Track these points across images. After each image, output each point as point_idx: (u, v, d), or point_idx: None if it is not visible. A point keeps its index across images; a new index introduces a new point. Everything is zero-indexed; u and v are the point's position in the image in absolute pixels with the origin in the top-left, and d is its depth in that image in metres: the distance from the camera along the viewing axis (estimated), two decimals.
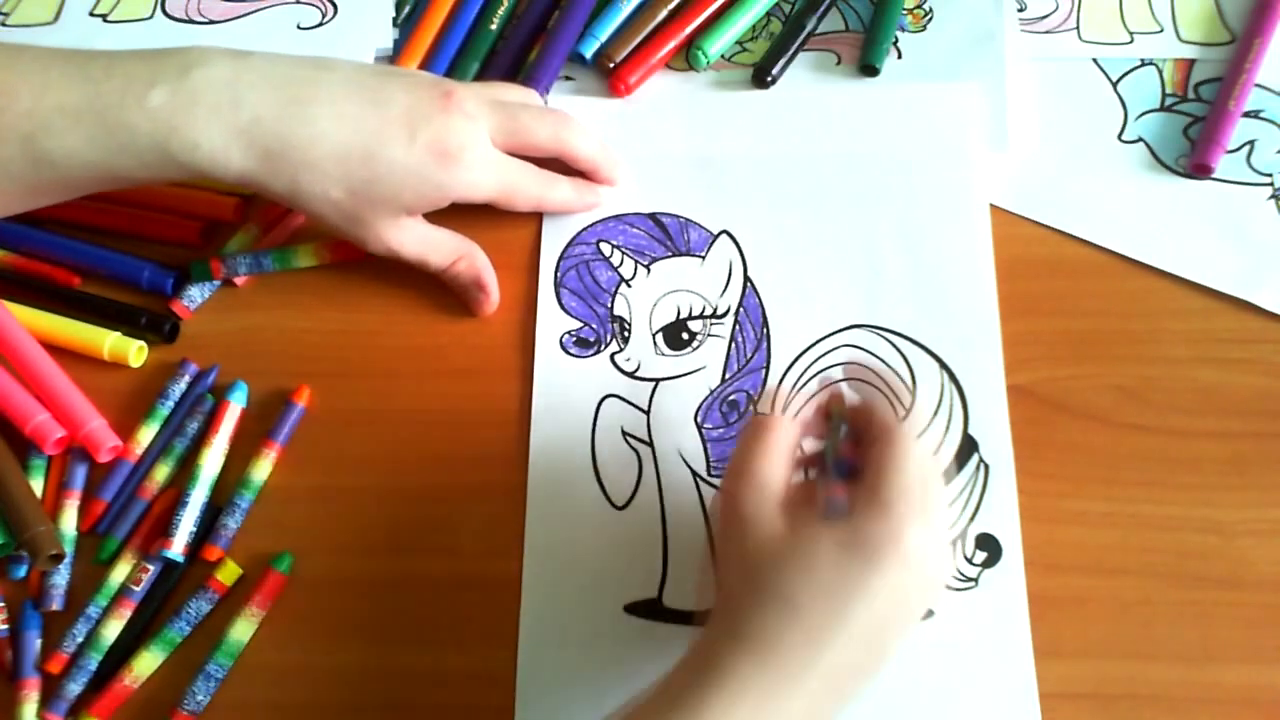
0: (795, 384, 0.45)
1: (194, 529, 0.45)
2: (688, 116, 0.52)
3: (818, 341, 0.46)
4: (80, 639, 0.44)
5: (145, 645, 0.43)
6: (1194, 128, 0.49)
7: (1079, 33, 0.52)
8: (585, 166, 0.48)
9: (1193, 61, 0.51)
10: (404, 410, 0.47)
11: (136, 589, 0.44)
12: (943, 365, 0.45)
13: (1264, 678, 0.39)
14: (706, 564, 0.42)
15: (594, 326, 0.47)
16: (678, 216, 0.49)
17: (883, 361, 0.45)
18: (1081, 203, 0.48)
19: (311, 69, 0.43)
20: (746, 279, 0.48)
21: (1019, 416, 0.44)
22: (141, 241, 0.51)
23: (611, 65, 0.53)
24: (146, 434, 0.47)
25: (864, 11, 0.54)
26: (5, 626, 0.44)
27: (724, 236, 0.49)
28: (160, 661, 0.43)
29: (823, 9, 0.53)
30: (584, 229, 0.50)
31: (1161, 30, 0.52)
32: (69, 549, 0.45)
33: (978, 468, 0.43)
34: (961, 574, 0.41)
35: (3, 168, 0.41)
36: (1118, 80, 0.51)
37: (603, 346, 0.47)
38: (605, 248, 0.49)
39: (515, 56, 0.54)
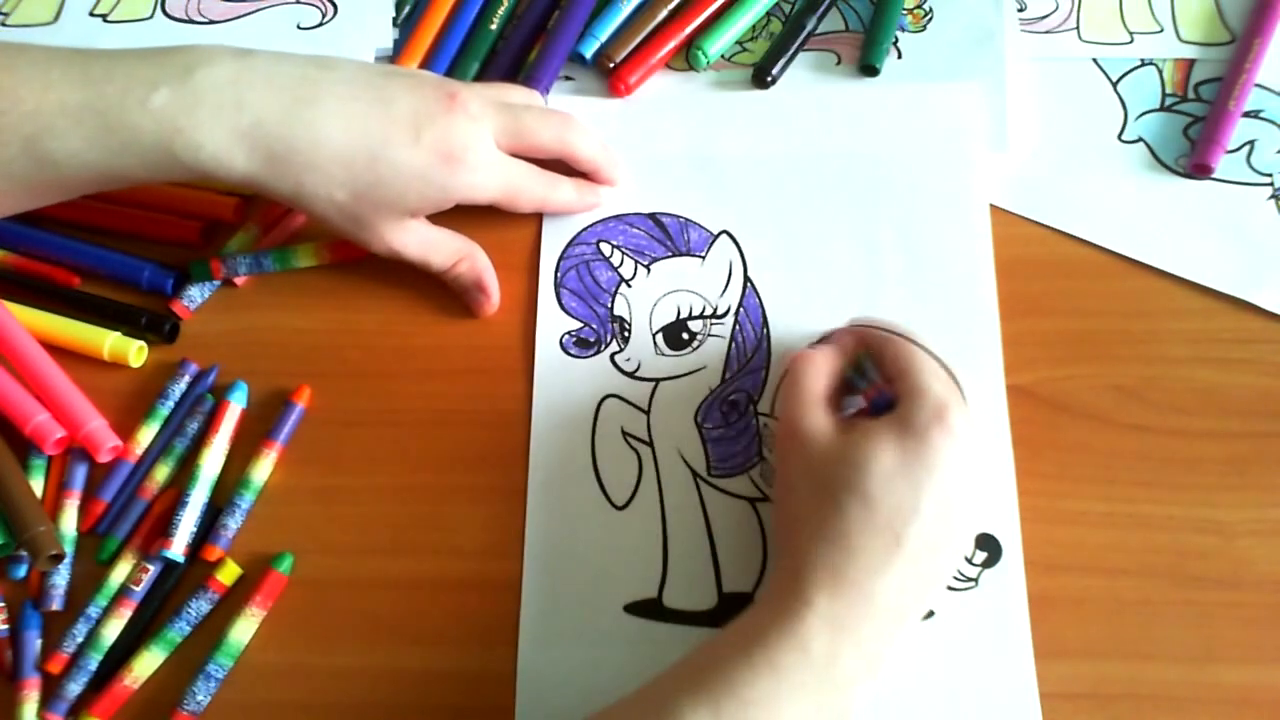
0: None
1: (194, 529, 0.45)
2: (688, 116, 0.52)
3: (818, 341, 0.46)
4: (80, 639, 0.44)
5: (145, 645, 0.43)
6: (1194, 128, 0.49)
7: (1079, 33, 0.53)
8: (587, 167, 0.48)
9: (1193, 61, 0.51)
10: (404, 410, 0.47)
11: (136, 589, 0.44)
12: (943, 365, 0.45)
13: (1264, 678, 0.39)
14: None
15: (594, 326, 0.47)
16: (678, 216, 0.49)
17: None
18: (1081, 203, 0.48)
19: (315, 69, 0.43)
20: (746, 279, 0.48)
21: (1019, 416, 0.44)
22: (141, 241, 0.51)
23: (611, 65, 0.53)
24: (146, 434, 0.47)
25: (864, 11, 0.54)
26: (5, 626, 0.44)
27: (724, 236, 0.49)
28: (160, 661, 0.43)
29: (823, 9, 0.53)
30: (584, 229, 0.50)
31: (1161, 30, 0.52)
32: (69, 549, 0.45)
33: None
34: (961, 574, 0.41)
35: (5, 168, 0.41)
36: (1118, 80, 0.51)
37: (603, 346, 0.47)
38: (605, 248, 0.49)
39: (515, 56, 0.54)
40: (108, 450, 0.46)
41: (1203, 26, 0.52)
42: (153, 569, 0.44)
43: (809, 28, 0.53)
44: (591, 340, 0.47)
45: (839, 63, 0.53)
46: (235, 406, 0.47)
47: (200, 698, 0.42)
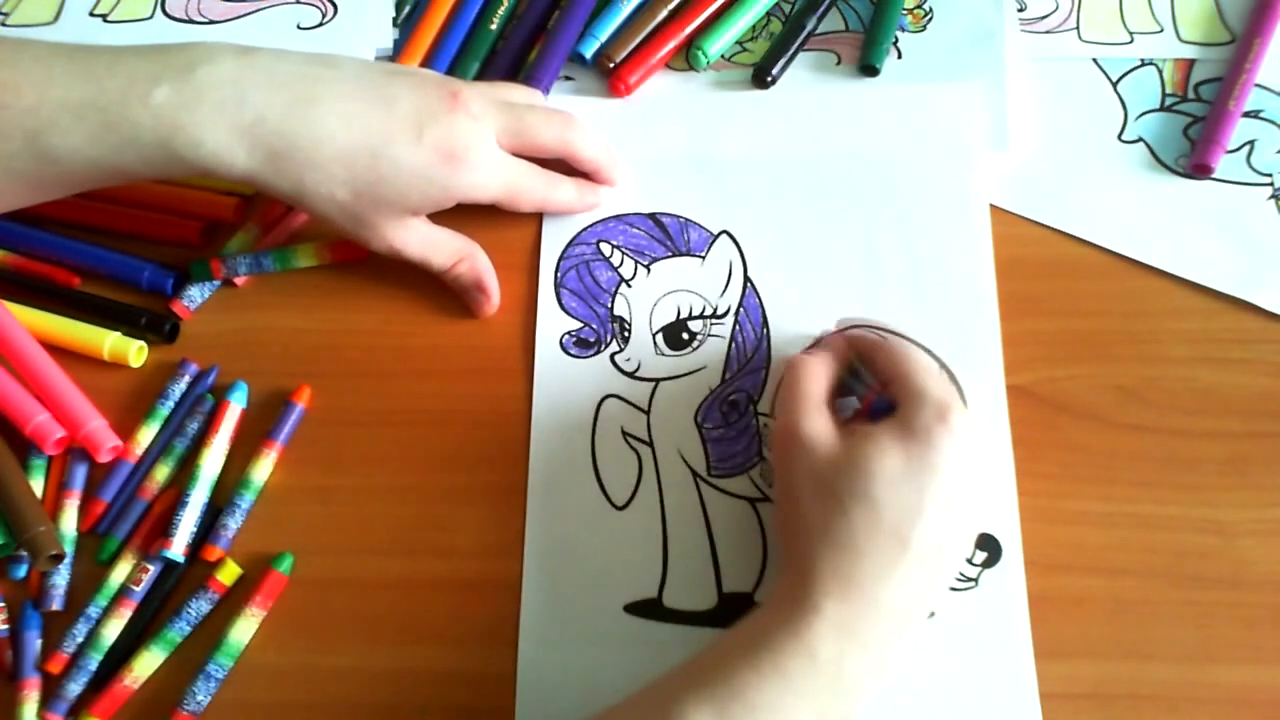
0: None
1: (194, 529, 0.45)
2: (688, 116, 0.52)
3: (818, 341, 0.46)
4: (80, 639, 0.44)
5: (145, 645, 0.43)
6: (1194, 128, 0.49)
7: (1079, 33, 0.52)
8: (588, 167, 0.48)
9: (1193, 61, 0.51)
10: (404, 410, 0.47)
11: (136, 589, 0.44)
12: (943, 365, 0.45)
13: (1264, 678, 0.39)
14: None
15: (594, 326, 0.47)
16: (678, 216, 0.49)
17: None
18: (1081, 203, 0.48)
19: (317, 67, 0.43)
20: (746, 279, 0.48)
21: (1019, 416, 0.44)
22: (141, 241, 0.51)
23: (611, 65, 0.53)
24: (146, 434, 0.47)
25: (864, 11, 0.54)
26: (5, 627, 0.44)
27: (724, 236, 0.49)
28: (160, 662, 0.43)
29: (823, 9, 0.53)
30: (584, 229, 0.50)
31: (1161, 30, 0.52)
32: (69, 549, 0.45)
33: None
34: (961, 574, 0.41)
35: (6, 164, 0.41)
36: (1118, 80, 0.51)
37: (603, 347, 0.47)
38: (605, 248, 0.49)
39: (515, 56, 0.54)
40: (108, 450, 0.46)
41: (1203, 26, 0.52)
42: (153, 569, 0.44)
43: (809, 28, 0.53)
44: (591, 340, 0.47)
45: (839, 63, 0.53)
46: (235, 406, 0.47)
47: (200, 698, 0.42)
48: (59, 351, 0.48)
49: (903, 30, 0.53)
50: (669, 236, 0.49)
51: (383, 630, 0.43)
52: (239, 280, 0.50)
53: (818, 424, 0.38)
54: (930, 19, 0.53)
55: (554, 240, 0.49)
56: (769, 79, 0.52)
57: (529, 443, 0.45)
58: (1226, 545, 0.41)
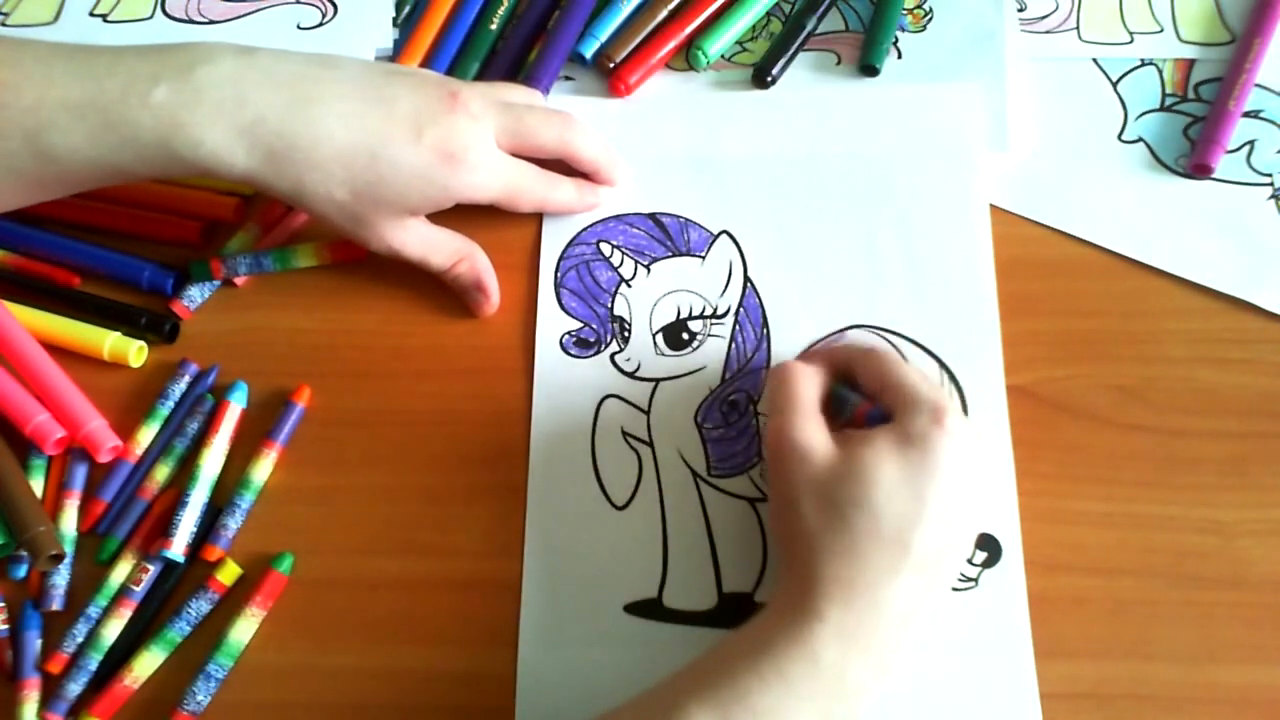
0: None
1: (194, 529, 0.45)
2: (688, 116, 0.52)
3: (818, 341, 0.46)
4: (80, 639, 0.44)
5: (145, 645, 0.43)
6: (1194, 128, 0.49)
7: (1079, 33, 0.52)
8: (588, 167, 0.48)
9: (1193, 61, 0.51)
10: (404, 410, 0.47)
11: (136, 589, 0.44)
12: (943, 365, 0.45)
13: (1264, 678, 0.39)
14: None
15: (594, 326, 0.47)
16: (678, 216, 0.49)
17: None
18: (1081, 203, 0.48)
19: (317, 67, 0.43)
20: (746, 279, 0.48)
21: (1019, 417, 0.44)
22: (141, 241, 0.51)
23: (611, 65, 0.53)
24: (146, 434, 0.47)
25: (864, 11, 0.54)
26: (5, 627, 0.44)
27: (724, 236, 0.49)
28: (160, 662, 0.43)
29: (823, 9, 0.53)
30: (584, 229, 0.50)
31: (1161, 30, 0.52)
32: (69, 549, 0.45)
33: None
34: (962, 574, 0.41)
35: (6, 163, 0.41)
36: (1118, 80, 0.51)
37: (603, 347, 0.47)
38: (605, 248, 0.49)
39: (515, 56, 0.54)
40: (108, 450, 0.46)
41: (1203, 26, 0.52)
42: (153, 569, 0.44)
43: (809, 28, 0.53)
44: (591, 340, 0.47)
45: (839, 63, 0.53)
46: (235, 406, 0.47)
47: (200, 698, 0.42)
48: (59, 351, 0.48)
49: (903, 30, 0.53)
50: (669, 236, 0.49)
51: (383, 630, 0.43)
52: (239, 280, 0.50)
53: (812, 431, 0.38)
54: (930, 19, 0.53)
55: (554, 240, 0.49)
56: (769, 79, 0.52)
57: (529, 443, 0.45)
58: (1226, 545, 0.41)
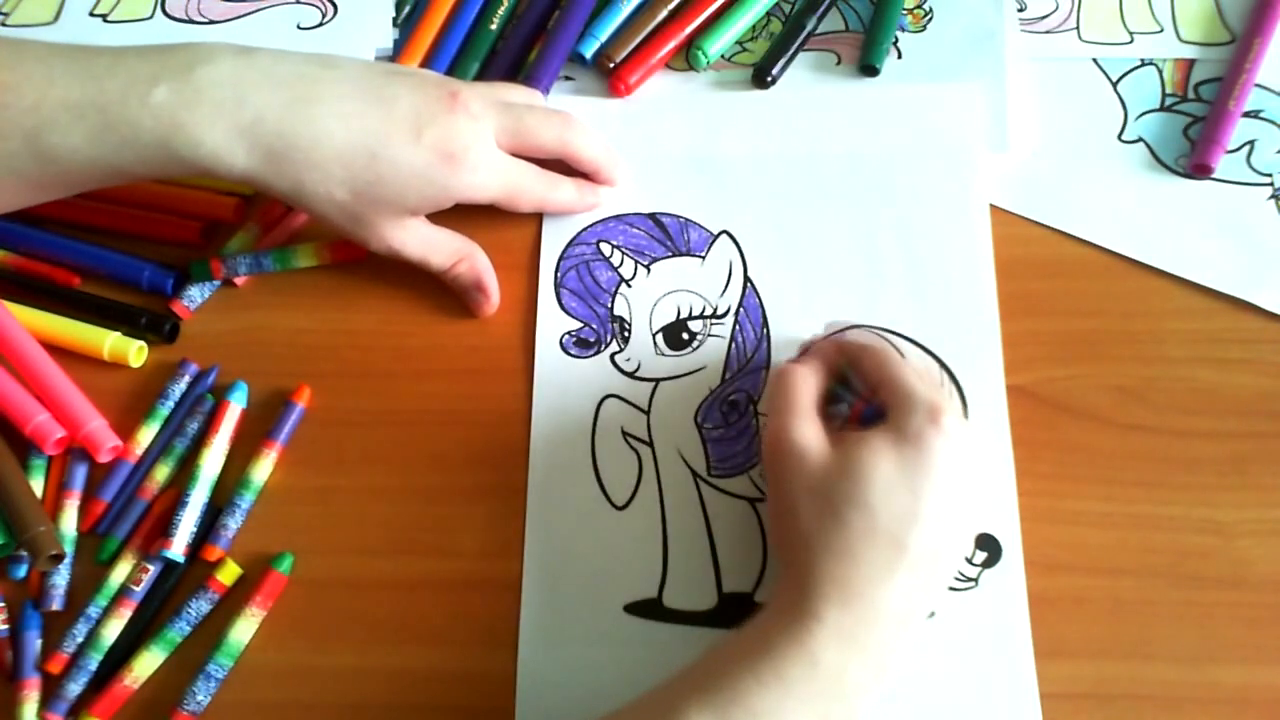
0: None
1: (194, 529, 0.45)
2: (688, 116, 0.52)
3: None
4: (80, 639, 0.44)
5: (145, 645, 0.43)
6: (1194, 128, 0.49)
7: (1079, 33, 0.52)
8: (588, 167, 0.48)
9: (1193, 61, 0.51)
10: (404, 410, 0.47)
11: (136, 589, 0.44)
12: (943, 365, 0.45)
13: (1264, 678, 0.39)
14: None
15: (594, 326, 0.47)
16: (678, 216, 0.49)
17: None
18: (1081, 203, 0.48)
19: (316, 67, 0.43)
20: (746, 279, 0.48)
21: (1019, 416, 0.44)
22: (141, 241, 0.51)
23: (611, 65, 0.53)
24: (146, 434, 0.47)
25: (864, 11, 0.54)
26: (5, 627, 0.44)
27: (724, 236, 0.49)
28: (160, 662, 0.43)
29: (823, 9, 0.53)
30: (584, 229, 0.50)
31: (1161, 30, 0.52)
32: (69, 549, 0.45)
33: None
34: (961, 574, 0.41)
35: (6, 163, 0.41)
36: (1118, 80, 0.51)
37: (603, 347, 0.47)
38: (605, 248, 0.49)
39: (515, 56, 0.54)
40: (108, 450, 0.46)
41: (1203, 26, 0.52)
42: (153, 569, 0.44)
43: (809, 28, 0.53)
44: (591, 340, 0.47)
45: (839, 63, 0.53)
46: (235, 406, 0.47)
47: (200, 698, 0.42)
48: (59, 351, 0.48)
49: (903, 30, 0.53)
50: (669, 236, 0.49)
51: (383, 630, 0.43)
52: (239, 280, 0.50)
53: (809, 432, 0.38)
54: (930, 19, 0.53)
55: (554, 240, 0.49)
56: (769, 79, 0.52)
57: (529, 443, 0.45)
58: (1226, 545, 0.41)
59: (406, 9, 0.57)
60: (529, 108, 0.47)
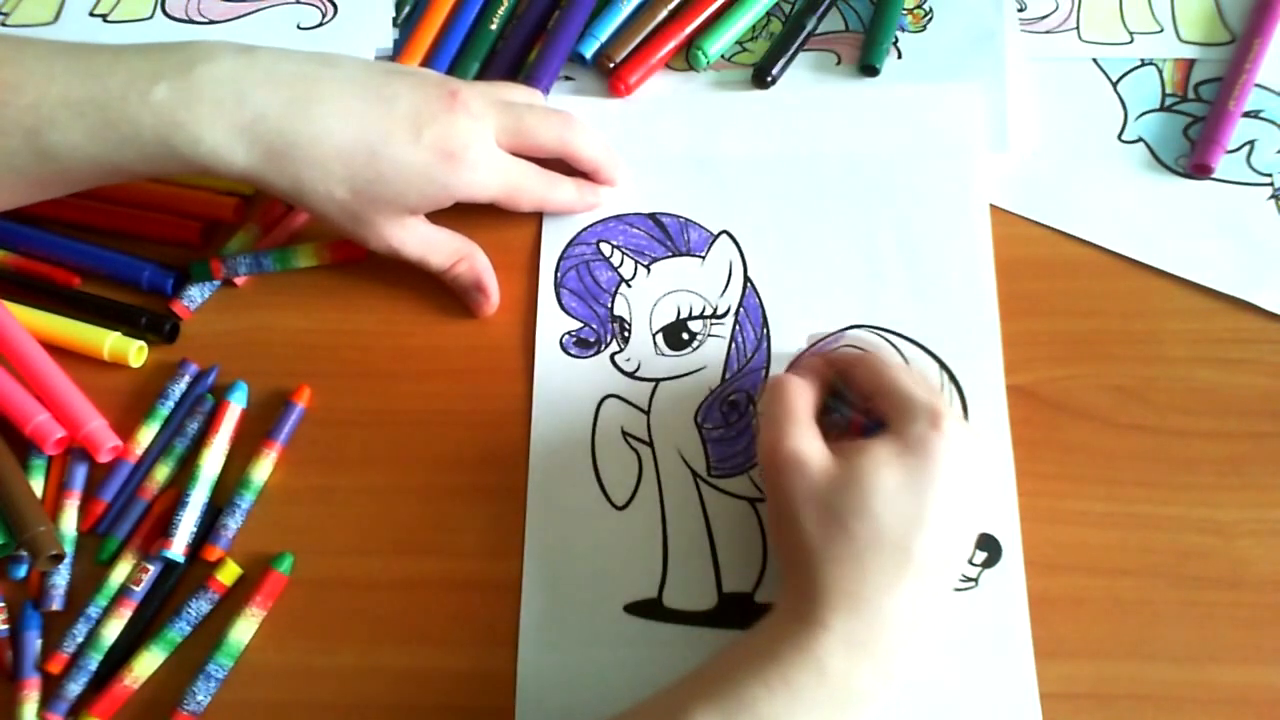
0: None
1: (194, 529, 0.45)
2: (688, 116, 0.52)
3: (818, 342, 0.46)
4: (80, 639, 0.44)
5: (145, 645, 0.43)
6: (1194, 128, 0.49)
7: (1079, 33, 0.53)
8: (588, 167, 0.48)
9: (1193, 61, 0.51)
10: (404, 410, 0.47)
11: (137, 589, 0.44)
12: (942, 365, 0.45)
13: (1264, 678, 0.39)
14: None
15: (594, 327, 0.47)
16: (678, 216, 0.49)
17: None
18: (1081, 203, 0.48)
19: (317, 65, 0.43)
20: (746, 279, 0.48)
21: (1019, 416, 0.44)
22: (141, 241, 0.51)
23: (611, 65, 0.53)
24: (146, 434, 0.47)
25: (864, 11, 0.54)
26: (5, 626, 0.44)
27: (724, 236, 0.49)
28: (160, 662, 0.43)
29: (823, 9, 0.53)
30: (584, 229, 0.50)
31: (1161, 30, 0.52)
32: (69, 549, 0.45)
33: None
34: (962, 574, 0.41)
35: (7, 161, 0.41)
36: (1118, 80, 0.51)
37: (603, 347, 0.47)
38: (605, 248, 0.49)
39: (515, 56, 0.54)
40: (108, 450, 0.46)
41: (1203, 26, 0.52)
42: (153, 569, 0.44)
43: (809, 28, 0.53)
44: (591, 340, 0.47)
45: (839, 63, 0.53)
46: (235, 406, 0.47)
47: (200, 698, 0.42)
48: (59, 351, 0.48)
49: (903, 30, 0.53)
50: (669, 236, 0.49)
51: (383, 630, 0.43)
52: (239, 280, 0.50)
53: (808, 442, 0.37)
54: (930, 19, 0.53)
55: (554, 240, 0.49)
56: (769, 79, 0.52)
57: (529, 443, 0.45)
58: (1226, 545, 0.41)
59: (406, 9, 0.57)
60: (529, 107, 0.47)
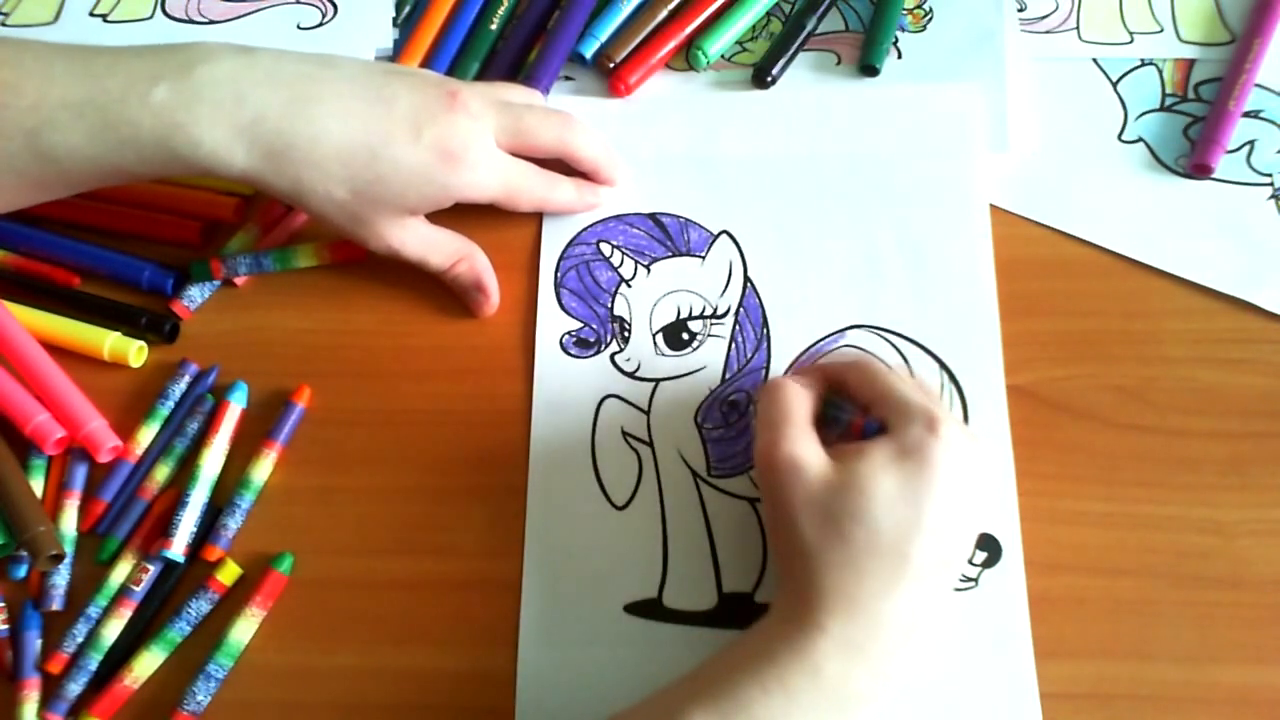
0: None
1: (194, 529, 0.45)
2: (688, 116, 0.52)
3: (818, 342, 0.46)
4: (80, 639, 0.44)
5: (145, 645, 0.43)
6: (1194, 128, 0.49)
7: (1079, 33, 0.53)
8: (587, 167, 0.48)
9: (1193, 61, 0.51)
10: (404, 410, 0.47)
11: (137, 589, 0.44)
12: (942, 365, 0.45)
13: (1264, 678, 0.39)
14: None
15: (594, 327, 0.47)
16: (678, 216, 0.49)
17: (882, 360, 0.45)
18: (1081, 203, 0.48)
19: (316, 66, 0.43)
20: (746, 279, 0.48)
21: (1019, 417, 0.44)
22: (141, 241, 0.51)
23: (611, 65, 0.53)
24: (146, 434, 0.47)
25: (864, 11, 0.54)
26: (5, 627, 0.44)
27: (724, 236, 0.49)
28: (160, 662, 0.43)
29: (823, 9, 0.53)
30: (584, 229, 0.50)
31: (1161, 30, 0.52)
32: (69, 549, 0.45)
33: None
34: (961, 574, 0.41)
35: (6, 163, 0.41)
36: (1118, 80, 0.51)
37: (603, 347, 0.47)
38: (605, 248, 0.49)
39: (515, 56, 0.54)
40: (108, 450, 0.46)
41: (1203, 26, 0.52)
42: (153, 569, 0.44)
43: (809, 28, 0.53)
44: (591, 340, 0.47)
45: (839, 63, 0.53)
46: (235, 406, 0.47)
47: (200, 698, 0.42)
48: (59, 351, 0.48)
49: (903, 30, 0.53)
50: (669, 236, 0.49)
51: (383, 630, 0.43)
52: (239, 280, 0.50)
53: (806, 446, 0.37)
54: (930, 19, 0.53)
55: (554, 240, 0.49)
56: (769, 79, 0.52)
57: (529, 443, 0.45)
58: (1226, 545, 0.41)
59: (406, 9, 0.57)
60: (529, 107, 0.47)
